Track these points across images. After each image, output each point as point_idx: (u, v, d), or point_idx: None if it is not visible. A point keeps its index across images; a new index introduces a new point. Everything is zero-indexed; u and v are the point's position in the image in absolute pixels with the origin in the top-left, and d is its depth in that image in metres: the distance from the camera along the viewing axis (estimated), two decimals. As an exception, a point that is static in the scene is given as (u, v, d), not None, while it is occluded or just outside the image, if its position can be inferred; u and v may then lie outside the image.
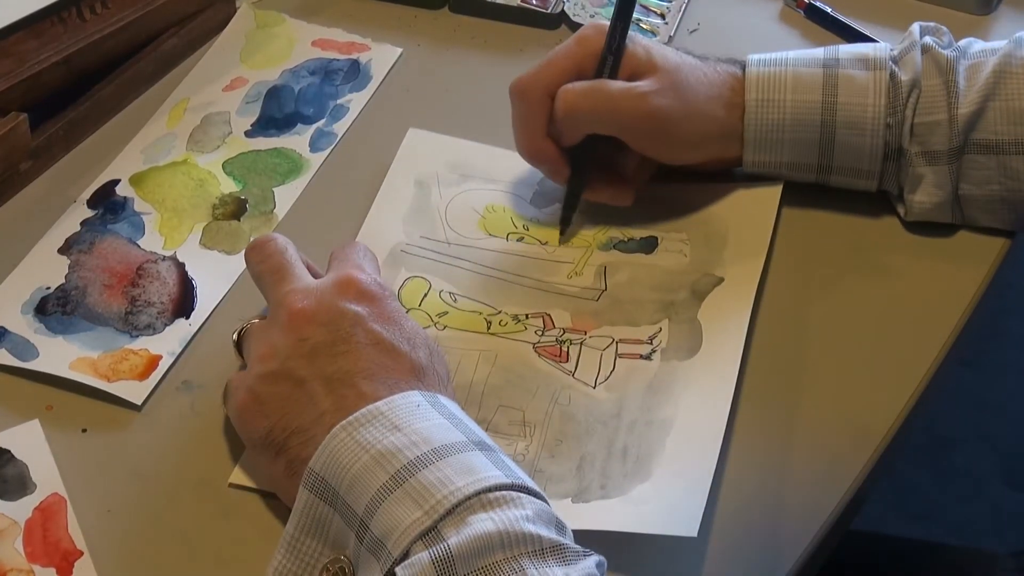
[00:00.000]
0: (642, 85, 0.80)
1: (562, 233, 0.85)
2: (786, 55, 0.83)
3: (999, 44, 0.82)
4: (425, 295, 0.81)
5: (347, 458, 0.61)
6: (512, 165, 0.88)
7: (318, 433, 0.64)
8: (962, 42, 0.83)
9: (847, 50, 0.83)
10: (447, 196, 0.87)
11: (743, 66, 0.83)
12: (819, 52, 0.83)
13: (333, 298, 0.69)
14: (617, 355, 0.78)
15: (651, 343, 0.78)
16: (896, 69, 0.81)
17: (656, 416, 0.73)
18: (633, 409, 0.74)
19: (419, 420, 0.63)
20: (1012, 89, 0.80)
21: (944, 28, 0.84)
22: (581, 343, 0.78)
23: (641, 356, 0.77)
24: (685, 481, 0.69)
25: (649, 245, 0.84)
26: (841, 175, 0.84)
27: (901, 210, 0.85)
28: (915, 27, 0.84)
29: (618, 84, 0.80)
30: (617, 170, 0.85)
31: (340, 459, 0.61)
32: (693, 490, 0.68)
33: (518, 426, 0.74)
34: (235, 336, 0.73)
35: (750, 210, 0.84)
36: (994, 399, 1.79)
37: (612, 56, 0.81)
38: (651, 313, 0.80)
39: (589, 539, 0.61)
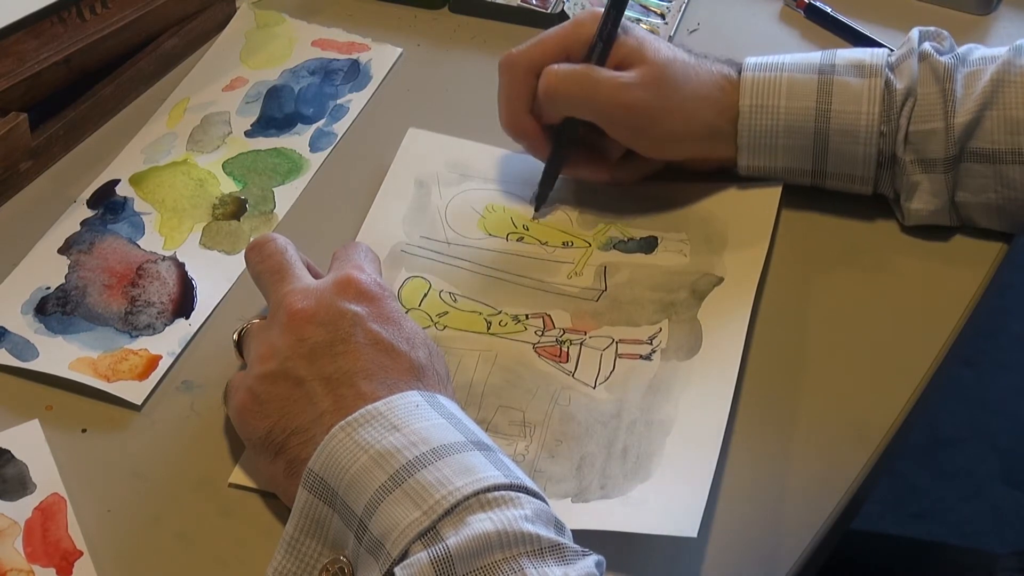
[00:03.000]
0: (625, 76, 0.81)
1: (536, 210, 0.85)
2: (783, 59, 0.83)
3: (999, 51, 0.82)
4: (425, 295, 0.81)
5: (346, 458, 0.61)
6: (512, 165, 0.88)
7: (317, 433, 0.64)
8: (962, 48, 0.83)
9: (844, 55, 0.83)
10: (447, 196, 0.87)
11: (739, 68, 0.83)
12: (816, 56, 0.83)
13: (333, 298, 0.69)
14: (617, 355, 0.77)
15: (651, 343, 0.78)
16: (891, 76, 0.81)
17: (656, 416, 0.73)
18: (633, 409, 0.74)
19: (418, 420, 0.63)
20: (1010, 98, 0.79)
21: (945, 32, 0.84)
22: (581, 343, 0.78)
23: (641, 356, 0.77)
24: (685, 481, 0.69)
25: (649, 245, 0.84)
26: (836, 180, 0.84)
27: (899, 215, 0.85)
28: (914, 32, 0.83)
29: (604, 72, 0.81)
30: (598, 149, 0.85)
31: (339, 459, 0.61)
32: (693, 490, 0.68)
33: (518, 426, 0.74)
34: (235, 336, 0.73)
35: (750, 210, 0.84)
36: (994, 398, 1.79)
37: (602, 43, 0.81)
38: (651, 313, 0.80)
39: (589, 539, 0.61)
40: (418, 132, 0.91)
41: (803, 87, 0.81)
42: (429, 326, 0.79)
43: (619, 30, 0.82)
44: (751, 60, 0.83)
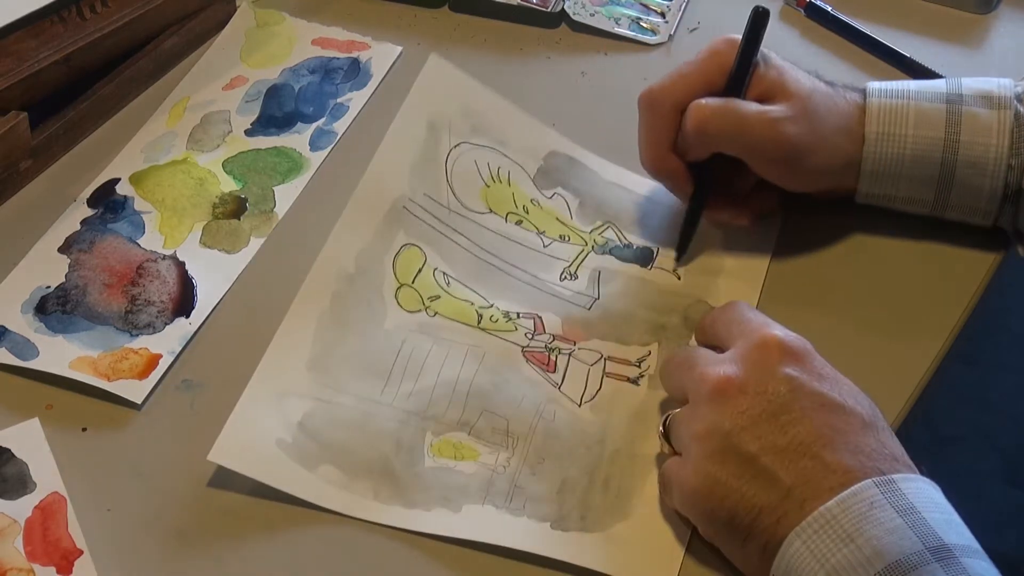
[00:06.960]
0: (775, 110, 0.78)
1: (679, 255, 0.83)
2: (907, 86, 0.81)
3: None
4: (420, 270, 0.81)
5: (803, 571, 0.60)
6: (524, 130, 0.87)
7: (790, 510, 0.62)
8: None
9: (970, 85, 0.81)
10: (455, 148, 0.86)
11: (864, 93, 0.81)
12: (941, 85, 0.81)
13: (758, 362, 0.66)
14: (604, 373, 0.77)
15: (639, 366, 0.77)
16: (1020, 108, 0.79)
17: (640, 449, 0.73)
18: (617, 438, 0.73)
19: (873, 525, 0.60)
20: None
21: None
22: (570, 354, 0.78)
23: (628, 379, 0.77)
24: (664, 526, 0.69)
25: (645, 258, 0.83)
26: (956, 211, 0.82)
27: (1021, 251, 0.83)
28: None
29: (751, 106, 0.78)
30: (733, 191, 0.83)
31: (798, 571, 0.61)
32: (672, 537, 0.68)
33: (501, 435, 0.73)
34: (661, 428, 0.71)
35: (748, 237, 0.83)
36: (994, 398, 1.79)
37: (742, 75, 0.79)
38: (642, 333, 0.79)
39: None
40: (440, 61, 0.89)
41: (931, 116, 0.79)
42: (420, 310, 0.79)
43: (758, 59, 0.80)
44: (874, 85, 0.81)
